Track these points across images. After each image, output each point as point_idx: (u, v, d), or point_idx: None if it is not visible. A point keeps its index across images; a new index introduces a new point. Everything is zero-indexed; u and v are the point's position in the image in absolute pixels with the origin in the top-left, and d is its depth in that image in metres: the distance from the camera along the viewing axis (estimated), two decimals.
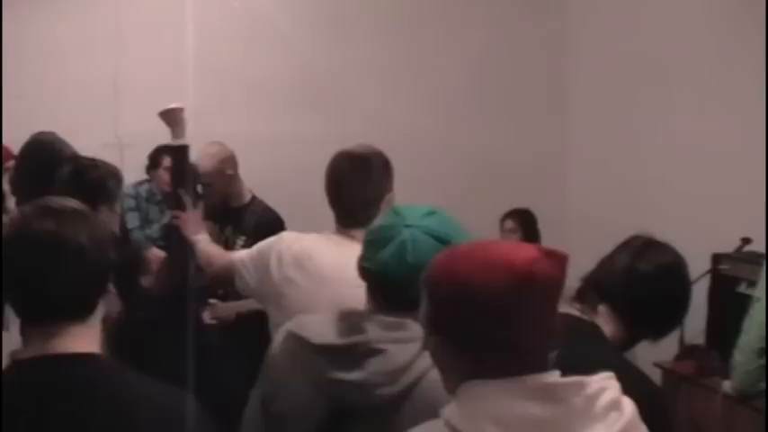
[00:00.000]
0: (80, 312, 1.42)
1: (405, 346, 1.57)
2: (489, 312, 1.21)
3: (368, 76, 5.24)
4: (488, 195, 4.98)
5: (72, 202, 1.49)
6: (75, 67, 4.68)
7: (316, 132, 4.79)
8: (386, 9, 5.31)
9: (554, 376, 1.24)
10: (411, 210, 1.67)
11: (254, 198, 3.70)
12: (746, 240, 3.78)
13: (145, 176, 4.73)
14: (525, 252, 1.24)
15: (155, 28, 4.79)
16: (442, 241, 1.60)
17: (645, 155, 4.82)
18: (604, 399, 1.23)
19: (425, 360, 1.54)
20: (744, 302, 2.43)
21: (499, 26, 5.47)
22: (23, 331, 1.43)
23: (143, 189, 4.66)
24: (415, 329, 1.56)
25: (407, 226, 1.62)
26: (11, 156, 3.88)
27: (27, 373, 1.37)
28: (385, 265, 1.61)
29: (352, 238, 2.21)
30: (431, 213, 1.67)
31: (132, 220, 4.47)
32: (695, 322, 3.79)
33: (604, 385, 1.25)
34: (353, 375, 1.57)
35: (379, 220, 1.74)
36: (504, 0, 5.50)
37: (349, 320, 1.64)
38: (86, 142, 3.97)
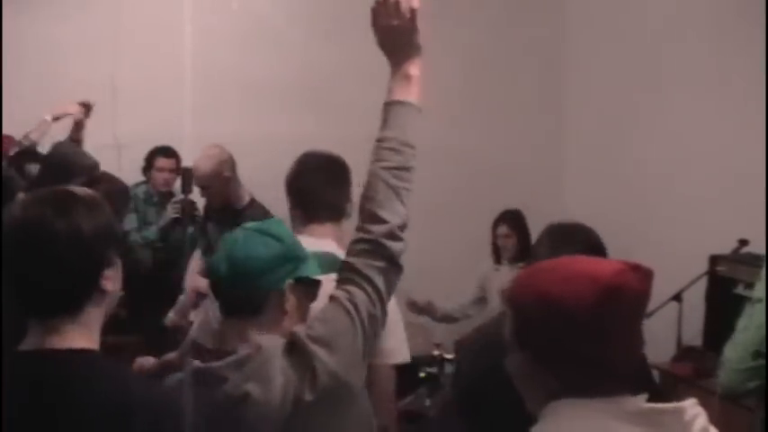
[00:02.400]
0: (66, 307, 1.35)
1: None
2: (577, 324, 1.19)
3: (365, 77, 5.19)
4: (485, 196, 4.97)
5: (80, 191, 1.42)
6: (74, 67, 4.67)
7: (313, 133, 4.75)
8: None
9: (643, 400, 1.22)
10: (254, 222, 1.73)
11: (252, 200, 3.70)
12: (744, 242, 3.77)
13: (142, 178, 4.72)
14: (611, 265, 1.23)
15: (153, 29, 4.78)
16: (274, 237, 1.63)
17: (642, 156, 4.81)
18: (698, 425, 1.23)
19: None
20: (741, 304, 2.41)
21: (496, 27, 5.46)
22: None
23: (140, 190, 4.63)
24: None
25: (243, 228, 1.67)
26: (12, 143, 3.89)
27: (20, 366, 1.34)
28: (216, 263, 1.63)
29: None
30: (268, 221, 1.73)
31: (130, 222, 4.44)
32: (692, 324, 3.79)
33: (697, 411, 1.24)
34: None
35: None
36: (501, 1, 5.51)
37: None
38: (84, 143, 3.99)
